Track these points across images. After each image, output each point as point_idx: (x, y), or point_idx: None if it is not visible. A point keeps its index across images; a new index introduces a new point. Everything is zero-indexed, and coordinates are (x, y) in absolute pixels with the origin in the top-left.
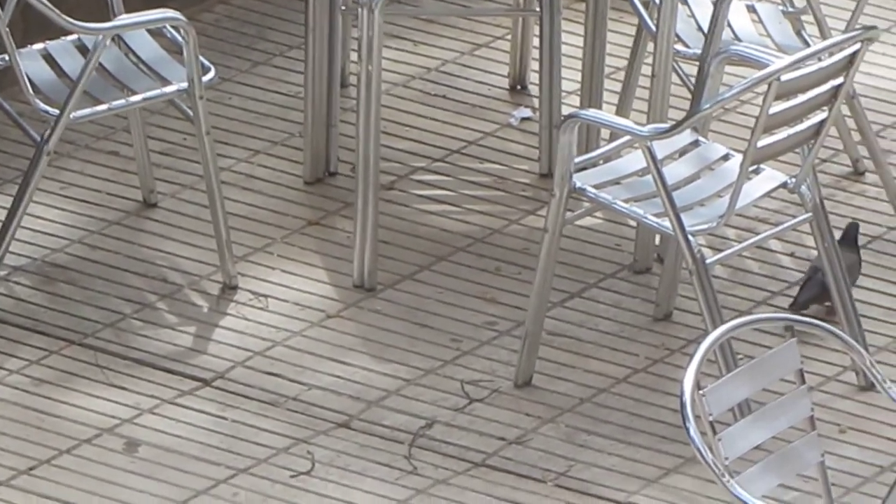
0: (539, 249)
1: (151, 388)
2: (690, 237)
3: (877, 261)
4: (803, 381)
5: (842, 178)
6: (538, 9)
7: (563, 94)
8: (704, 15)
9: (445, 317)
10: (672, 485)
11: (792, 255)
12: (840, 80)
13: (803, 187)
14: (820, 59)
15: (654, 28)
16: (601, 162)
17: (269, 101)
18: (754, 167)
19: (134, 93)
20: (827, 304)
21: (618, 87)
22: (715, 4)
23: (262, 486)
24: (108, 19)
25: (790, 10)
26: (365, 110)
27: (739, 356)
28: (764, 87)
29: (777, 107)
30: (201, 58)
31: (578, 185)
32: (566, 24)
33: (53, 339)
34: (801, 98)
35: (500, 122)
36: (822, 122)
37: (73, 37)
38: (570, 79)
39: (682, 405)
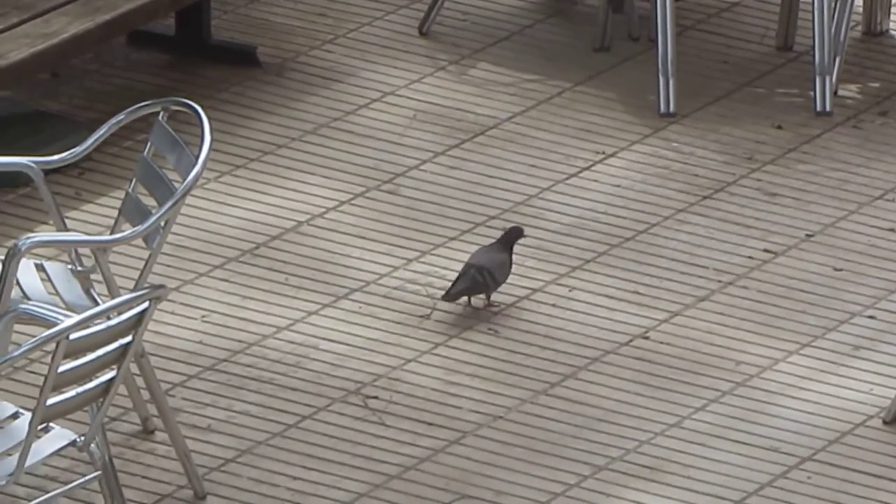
0: None
1: None
2: None
3: None
4: None
5: (131, 437)
6: None
7: None
8: None
9: None
10: None
11: None
12: (129, 338)
13: (92, 446)
14: (109, 318)
15: None
16: None
17: None
18: (44, 425)
19: None
20: (478, 296)
21: None
22: (3, 262)
23: None
24: None
25: (79, 268)
26: None
27: None
28: (53, 346)
29: (66, 365)
30: None
31: None
32: None
33: None
34: (91, 356)
35: None
36: (111, 381)
37: None
38: None
39: None
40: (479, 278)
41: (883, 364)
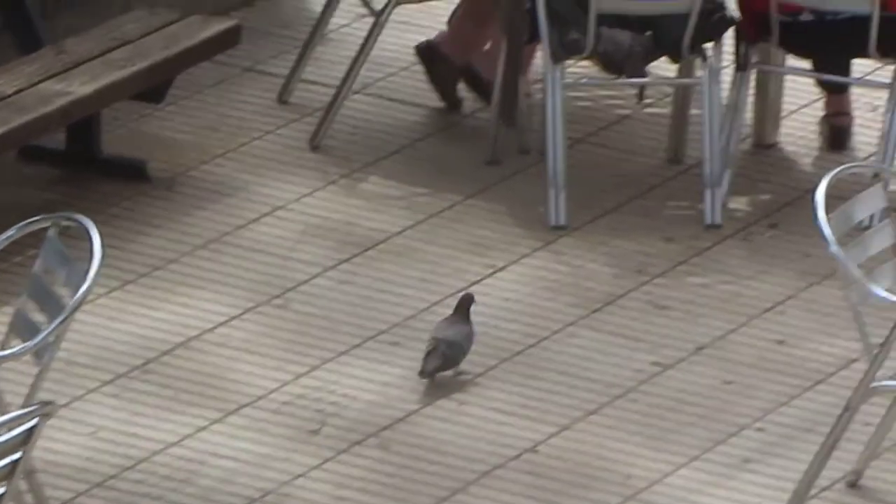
0: None
1: None
2: None
3: None
4: None
5: None
6: None
7: None
8: None
9: None
10: None
11: None
12: (18, 454)
13: None
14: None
15: None
16: None
17: None
18: None
19: None
20: (450, 371)
21: None
22: None
23: None
24: None
25: None
26: None
27: None
28: None
29: None
30: None
31: None
32: None
33: None
34: None
35: None
36: (0, 498)
37: None
38: None
39: None
40: (450, 352)
41: (772, 477)
